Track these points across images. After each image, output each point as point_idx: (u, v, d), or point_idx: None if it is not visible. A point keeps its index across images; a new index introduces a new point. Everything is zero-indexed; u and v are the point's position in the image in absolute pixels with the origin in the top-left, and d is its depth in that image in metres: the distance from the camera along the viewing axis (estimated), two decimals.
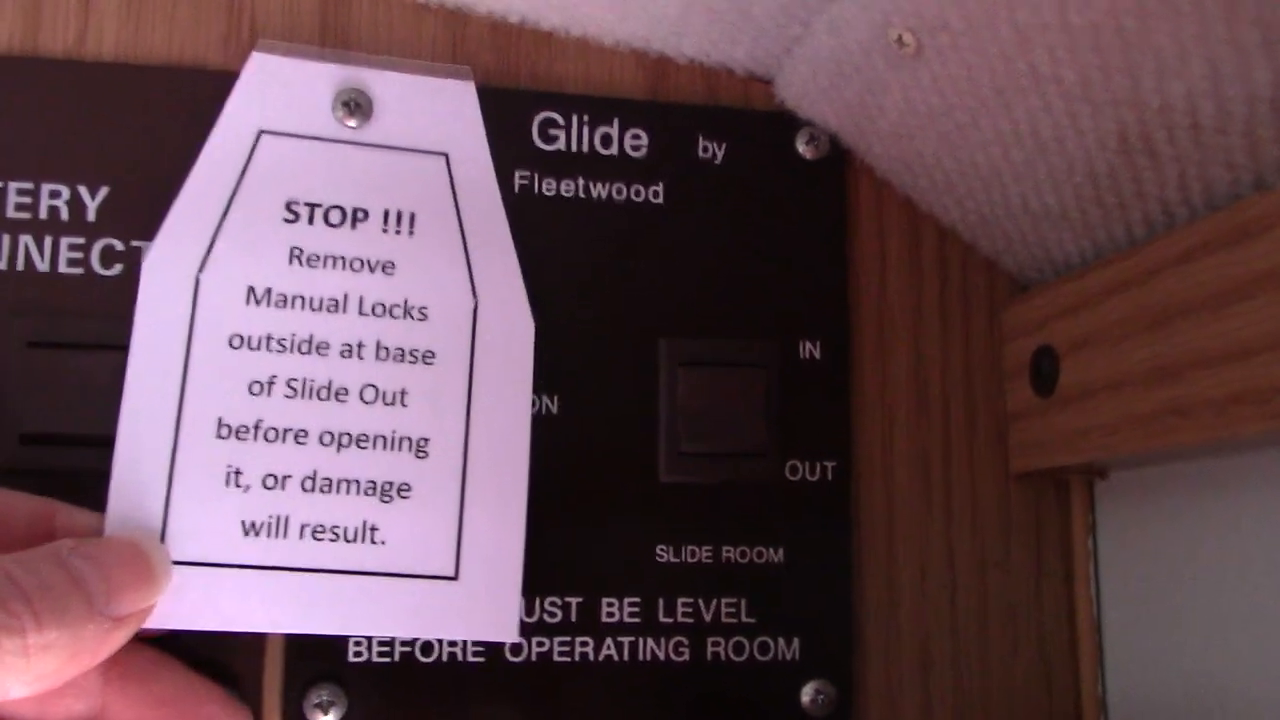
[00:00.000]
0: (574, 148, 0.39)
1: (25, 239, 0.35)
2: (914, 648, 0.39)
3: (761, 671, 0.38)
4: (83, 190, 0.35)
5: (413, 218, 0.36)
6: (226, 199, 0.34)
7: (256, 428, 0.33)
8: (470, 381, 0.35)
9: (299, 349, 0.34)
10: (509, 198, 0.38)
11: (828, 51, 0.37)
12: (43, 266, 0.35)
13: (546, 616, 0.36)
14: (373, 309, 0.35)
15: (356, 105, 0.36)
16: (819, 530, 0.39)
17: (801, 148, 0.40)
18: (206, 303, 0.34)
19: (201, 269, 0.34)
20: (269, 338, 0.34)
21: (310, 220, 0.35)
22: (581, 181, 0.39)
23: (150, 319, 0.33)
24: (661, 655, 0.37)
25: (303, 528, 0.33)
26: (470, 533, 0.34)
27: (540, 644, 0.36)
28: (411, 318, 0.35)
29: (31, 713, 0.31)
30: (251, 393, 0.34)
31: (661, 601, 0.37)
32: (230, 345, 0.34)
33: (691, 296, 0.39)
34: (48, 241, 0.35)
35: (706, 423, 0.38)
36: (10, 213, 0.35)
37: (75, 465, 0.33)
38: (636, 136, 0.39)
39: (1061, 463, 0.38)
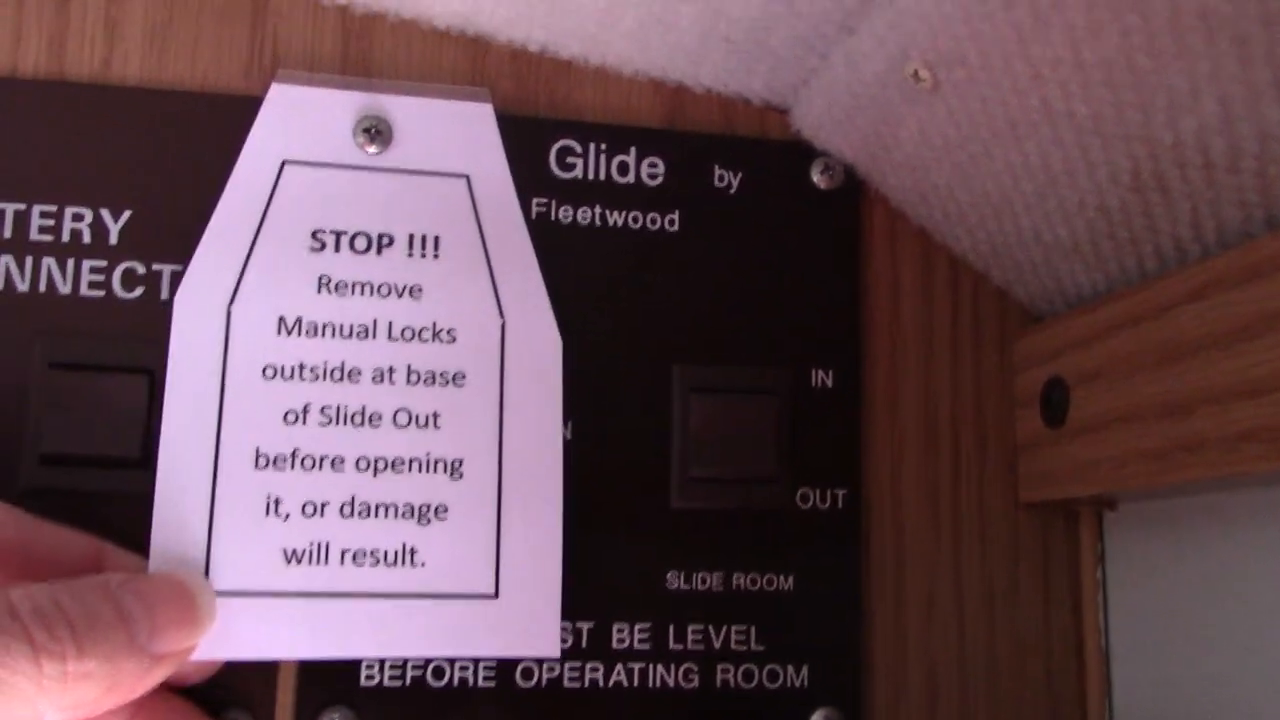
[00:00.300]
0: (591, 175, 0.39)
1: (48, 261, 0.35)
2: (922, 676, 0.40)
3: (770, 699, 0.38)
4: (105, 214, 0.36)
5: (437, 241, 0.36)
6: (254, 230, 0.35)
7: (293, 456, 0.34)
8: (501, 400, 0.35)
9: (331, 376, 0.34)
10: (526, 223, 0.38)
11: (844, 84, 0.37)
12: (64, 289, 0.35)
13: None
14: (402, 333, 0.35)
15: (377, 132, 0.36)
16: (829, 558, 0.39)
17: (816, 178, 0.40)
18: (238, 334, 0.34)
19: (232, 301, 0.34)
20: (301, 366, 0.34)
21: (336, 248, 0.35)
22: (598, 209, 0.39)
23: (184, 352, 0.34)
24: (671, 682, 0.37)
25: (343, 553, 0.33)
26: (508, 550, 0.35)
27: (550, 669, 0.36)
28: (440, 340, 0.35)
29: None
30: (286, 422, 0.34)
31: (672, 628, 0.37)
32: (264, 376, 0.34)
33: (705, 324, 0.39)
34: (70, 264, 0.35)
35: (718, 449, 0.38)
36: (34, 235, 0.35)
37: (95, 487, 0.34)
38: (653, 165, 0.39)
39: (1071, 494, 0.38)
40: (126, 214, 0.36)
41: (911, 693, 0.39)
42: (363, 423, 0.34)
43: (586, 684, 0.37)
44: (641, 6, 0.36)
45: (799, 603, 0.38)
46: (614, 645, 0.37)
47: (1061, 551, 0.41)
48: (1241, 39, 0.26)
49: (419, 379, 0.35)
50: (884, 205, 0.42)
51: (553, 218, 0.38)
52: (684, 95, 0.41)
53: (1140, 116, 0.30)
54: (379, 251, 0.36)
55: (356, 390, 0.35)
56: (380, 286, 0.35)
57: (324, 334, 0.35)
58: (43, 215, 0.35)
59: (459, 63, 0.39)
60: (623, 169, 0.39)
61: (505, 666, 0.36)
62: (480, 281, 0.36)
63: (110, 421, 0.34)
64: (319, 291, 0.35)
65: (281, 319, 0.35)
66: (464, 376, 0.35)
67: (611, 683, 0.37)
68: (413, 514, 0.34)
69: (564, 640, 0.36)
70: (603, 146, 0.39)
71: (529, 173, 0.38)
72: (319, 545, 0.33)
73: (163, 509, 0.33)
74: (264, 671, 0.35)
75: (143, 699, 0.30)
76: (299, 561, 0.33)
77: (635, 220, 0.39)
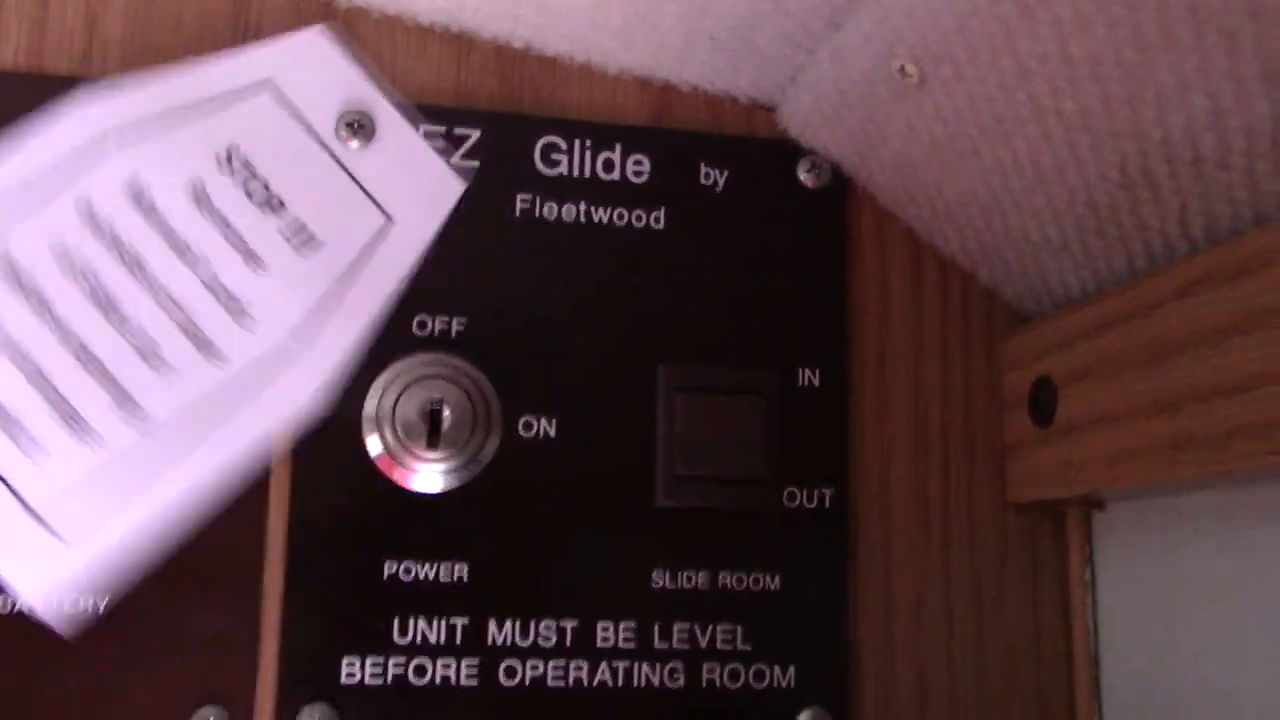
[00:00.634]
0: (576, 173, 0.39)
1: None
2: (910, 676, 0.39)
3: (756, 699, 0.37)
4: None
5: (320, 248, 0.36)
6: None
7: None
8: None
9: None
10: (510, 221, 0.38)
11: (831, 81, 0.37)
12: None
13: (541, 640, 0.36)
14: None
15: (360, 126, 0.36)
16: (816, 558, 0.39)
17: (803, 176, 0.40)
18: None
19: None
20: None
21: (239, 176, 0.35)
22: (583, 206, 0.39)
23: None
24: (656, 681, 0.37)
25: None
26: None
27: (534, 668, 0.36)
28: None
29: None
30: None
31: (657, 627, 0.37)
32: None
33: (691, 323, 0.39)
34: None
35: (704, 449, 0.38)
36: None
37: None
38: (639, 162, 0.39)
39: (1059, 494, 0.38)
40: None
41: (899, 693, 0.39)
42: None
43: (571, 683, 0.36)
44: (627, 4, 0.36)
45: (786, 602, 0.38)
46: (599, 644, 0.37)
47: (1050, 552, 0.41)
48: (1230, 33, 0.26)
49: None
50: (871, 204, 0.41)
51: (537, 215, 0.38)
52: (670, 93, 0.41)
53: (1128, 112, 0.30)
54: (263, 208, 0.35)
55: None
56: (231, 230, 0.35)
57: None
58: None
59: (443, 59, 0.39)
60: (608, 166, 0.39)
61: (488, 665, 0.36)
62: None
63: None
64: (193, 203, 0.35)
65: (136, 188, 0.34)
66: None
67: (596, 682, 0.36)
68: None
69: (544, 643, 0.36)
70: (588, 144, 0.39)
71: (513, 170, 0.38)
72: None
73: None
74: (244, 668, 0.35)
75: None
76: None
77: (620, 218, 0.39)
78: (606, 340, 0.38)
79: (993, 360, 0.42)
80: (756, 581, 0.38)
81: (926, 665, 0.39)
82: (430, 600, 0.36)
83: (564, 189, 0.39)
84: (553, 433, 0.37)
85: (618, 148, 0.39)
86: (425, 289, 0.37)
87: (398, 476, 0.36)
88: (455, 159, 0.38)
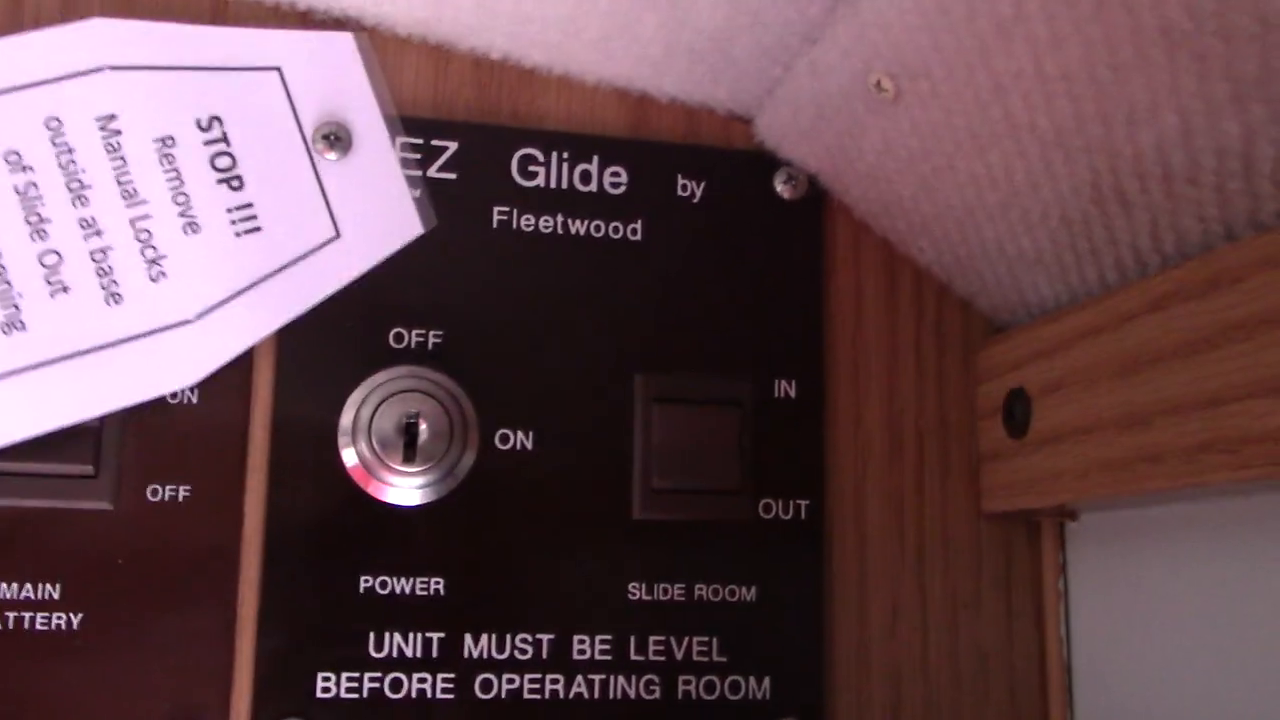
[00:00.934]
0: (553, 184, 0.39)
1: None
2: (885, 687, 0.39)
3: (733, 710, 0.38)
4: None
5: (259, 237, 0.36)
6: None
7: None
8: None
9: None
10: (487, 232, 0.38)
11: (808, 94, 0.37)
12: None
13: (517, 653, 0.36)
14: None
15: (336, 139, 0.36)
16: (791, 569, 0.39)
17: (780, 187, 0.40)
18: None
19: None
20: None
21: (211, 146, 0.35)
22: (560, 217, 0.39)
23: None
24: (633, 693, 0.37)
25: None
26: None
27: (510, 681, 0.36)
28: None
29: None
30: None
31: (633, 639, 0.37)
32: None
33: (668, 333, 0.39)
34: None
35: (680, 460, 0.38)
36: None
37: None
38: (616, 174, 0.39)
39: (1032, 504, 0.38)
40: None
41: (874, 704, 0.39)
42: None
43: (547, 695, 0.36)
44: (605, 16, 0.36)
45: (761, 614, 0.38)
46: (575, 656, 0.37)
47: (1024, 562, 0.41)
48: (1201, 54, 0.26)
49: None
50: (847, 216, 0.42)
51: (514, 226, 0.38)
52: (648, 104, 0.41)
53: (1101, 129, 0.30)
54: (230, 186, 0.36)
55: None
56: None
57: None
58: None
59: (421, 70, 0.39)
60: (585, 178, 0.39)
61: (464, 678, 0.36)
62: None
63: None
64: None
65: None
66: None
67: (572, 694, 0.36)
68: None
69: (520, 655, 0.36)
70: (565, 155, 0.39)
71: (491, 181, 0.38)
72: None
73: None
74: (218, 682, 0.35)
75: None
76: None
77: (598, 229, 0.39)
78: (583, 352, 0.38)
79: (968, 371, 0.42)
80: (732, 593, 0.38)
81: (901, 674, 0.40)
82: (406, 614, 0.36)
83: (541, 201, 0.39)
84: (530, 445, 0.37)
85: (595, 159, 0.39)
86: (402, 302, 0.37)
87: (374, 490, 0.36)
88: (432, 170, 0.38)
